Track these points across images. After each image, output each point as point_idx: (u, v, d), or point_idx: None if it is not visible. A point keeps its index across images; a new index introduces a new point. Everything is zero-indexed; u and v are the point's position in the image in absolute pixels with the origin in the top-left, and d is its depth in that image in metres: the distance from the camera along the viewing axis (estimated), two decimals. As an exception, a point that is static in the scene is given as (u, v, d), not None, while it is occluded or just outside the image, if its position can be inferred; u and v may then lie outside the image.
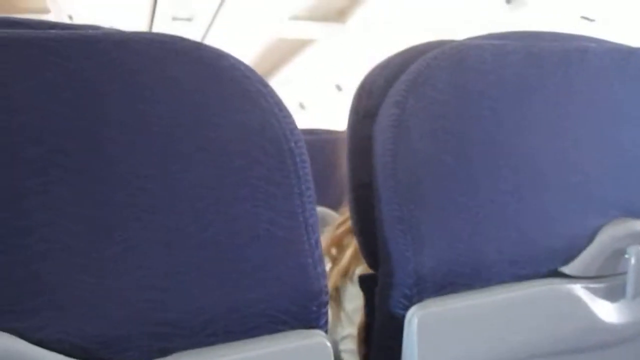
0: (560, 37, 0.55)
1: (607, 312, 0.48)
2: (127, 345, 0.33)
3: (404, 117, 0.43)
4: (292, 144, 0.38)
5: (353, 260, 0.70)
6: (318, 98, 3.06)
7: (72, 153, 0.33)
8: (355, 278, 0.76)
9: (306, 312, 0.38)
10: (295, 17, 2.40)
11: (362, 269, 0.76)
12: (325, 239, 0.73)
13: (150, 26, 2.33)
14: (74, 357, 0.32)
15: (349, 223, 0.78)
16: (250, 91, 0.37)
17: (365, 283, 0.49)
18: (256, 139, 0.37)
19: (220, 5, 2.14)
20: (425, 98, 0.44)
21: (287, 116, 0.39)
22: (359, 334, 0.57)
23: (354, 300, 0.69)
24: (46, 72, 0.33)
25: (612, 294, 0.49)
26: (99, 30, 0.37)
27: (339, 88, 2.90)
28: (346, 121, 0.49)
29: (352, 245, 0.70)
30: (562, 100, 0.48)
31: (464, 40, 0.49)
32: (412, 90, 0.44)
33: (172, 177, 0.35)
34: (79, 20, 2.25)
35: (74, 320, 0.32)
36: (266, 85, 0.38)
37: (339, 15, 2.42)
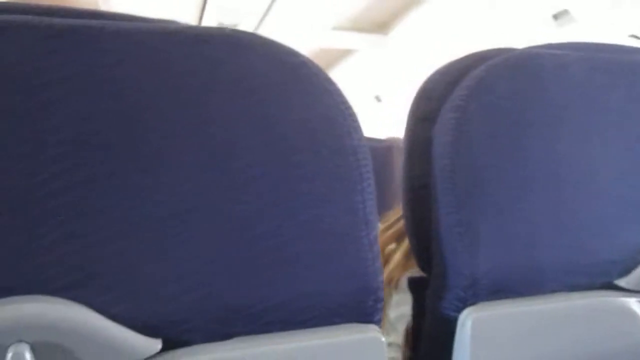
0: (622, 49, 0.54)
1: (663, 328, 0.47)
2: (192, 326, 0.35)
3: (464, 121, 0.44)
4: (356, 142, 0.39)
5: (398, 268, 0.70)
6: (357, 108, 3.07)
7: (143, 143, 0.34)
8: (401, 285, 0.76)
9: (363, 306, 0.38)
10: (338, 28, 2.42)
11: (407, 276, 0.76)
12: None
13: (197, 32, 2.39)
14: (144, 334, 0.33)
15: (391, 230, 0.79)
16: (319, 88, 0.38)
17: (415, 285, 0.50)
18: (321, 135, 0.38)
19: (266, 13, 2.19)
20: (486, 103, 0.44)
21: (352, 114, 0.39)
22: (406, 337, 0.57)
23: (398, 308, 0.70)
24: (128, 62, 0.34)
25: (669, 310, 0.48)
26: (178, 24, 0.39)
27: (378, 99, 2.91)
28: (404, 125, 0.50)
29: (398, 252, 0.70)
30: (625, 112, 0.48)
31: (525, 48, 0.50)
32: (473, 95, 0.44)
33: (238, 169, 0.36)
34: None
35: (146, 300, 0.33)
36: (333, 83, 0.39)
37: (381, 27, 2.44)
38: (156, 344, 0.33)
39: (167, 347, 0.34)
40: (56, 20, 0.34)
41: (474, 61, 0.48)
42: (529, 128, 0.45)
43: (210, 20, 2.22)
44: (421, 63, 2.38)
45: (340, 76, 2.84)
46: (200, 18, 2.23)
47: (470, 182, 0.43)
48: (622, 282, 0.47)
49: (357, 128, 0.39)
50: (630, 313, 0.47)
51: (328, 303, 0.38)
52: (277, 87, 0.38)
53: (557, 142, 0.46)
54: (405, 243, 0.74)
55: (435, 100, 0.47)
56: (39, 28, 0.33)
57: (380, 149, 1.08)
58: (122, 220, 0.33)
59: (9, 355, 0.29)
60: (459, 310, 0.43)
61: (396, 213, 0.83)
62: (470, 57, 0.49)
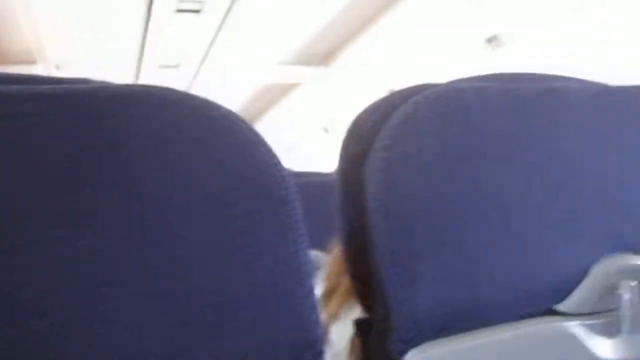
0: (541, 77, 0.56)
1: (605, 349, 0.48)
2: None
3: (392, 161, 0.44)
4: (284, 191, 0.38)
5: (342, 305, 0.71)
6: (306, 140, 3.09)
7: (67, 214, 0.32)
8: (343, 317, 0.76)
9: None
10: (282, 62, 2.44)
11: (350, 311, 0.76)
12: (321, 286, 0.73)
13: (137, 73, 2.36)
14: None
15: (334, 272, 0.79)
16: (242, 141, 0.38)
17: (361, 327, 0.49)
18: (249, 188, 0.37)
19: (207, 52, 2.18)
20: (413, 142, 0.45)
21: (278, 163, 0.39)
22: None
23: (341, 341, 0.69)
24: (39, 127, 0.33)
25: (609, 330, 0.48)
26: (88, 83, 0.38)
27: (325, 130, 2.93)
28: (336, 165, 0.50)
29: (339, 292, 0.71)
30: (548, 139, 0.49)
31: (448, 83, 0.51)
32: (399, 135, 0.44)
33: (170, 228, 0.35)
34: (66, 69, 2.27)
35: None
36: (256, 134, 0.39)
37: (324, 59, 2.47)
38: None
39: None
40: None
41: (400, 98, 0.49)
42: (457, 162, 0.46)
43: (150, 62, 2.20)
44: (364, 94, 2.42)
45: (288, 109, 2.86)
46: (140, 60, 2.21)
47: (404, 221, 0.43)
48: (562, 307, 0.48)
49: (284, 177, 0.39)
50: (573, 336, 0.47)
51: None
52: (201, 142, 0.37)
53: (487, 173, 0.46)
54: None
55: (365, 140, 0.47)
56: None
57: (325, 184, 1.08)
58: (49, 294, 0.31)
59: None
60: (404, 352, 0.42)
61: None
62: (396, 95, 0.50)
